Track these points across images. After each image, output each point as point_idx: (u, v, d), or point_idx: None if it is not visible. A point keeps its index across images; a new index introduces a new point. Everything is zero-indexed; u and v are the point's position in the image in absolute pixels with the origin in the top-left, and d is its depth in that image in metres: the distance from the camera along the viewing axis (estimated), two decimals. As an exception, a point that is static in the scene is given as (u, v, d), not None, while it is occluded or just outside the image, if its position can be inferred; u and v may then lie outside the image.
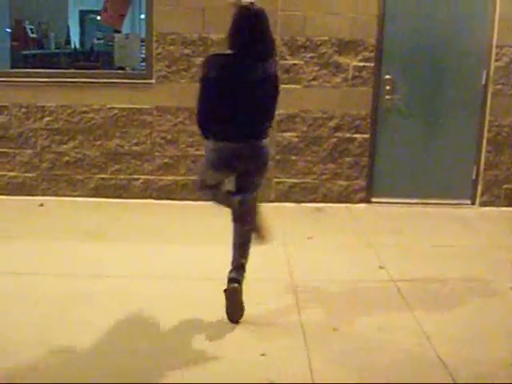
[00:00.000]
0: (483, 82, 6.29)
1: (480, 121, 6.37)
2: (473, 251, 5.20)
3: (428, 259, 4.99)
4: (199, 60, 6.06)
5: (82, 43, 7.95)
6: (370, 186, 6.47)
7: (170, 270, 4.56)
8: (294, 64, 6.16)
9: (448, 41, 6.23)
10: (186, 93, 6.02)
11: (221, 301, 3.82)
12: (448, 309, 4.11)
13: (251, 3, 3.80)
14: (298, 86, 6.20)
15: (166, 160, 6.29)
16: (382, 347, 3.59)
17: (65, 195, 6.39)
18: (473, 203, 6.53)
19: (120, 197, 6.38)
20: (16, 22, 7.08)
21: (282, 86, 6.09)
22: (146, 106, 6.22)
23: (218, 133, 3.75)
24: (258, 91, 3.71)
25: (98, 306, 4.00)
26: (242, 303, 3.81)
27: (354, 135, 6.32)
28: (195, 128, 4.01)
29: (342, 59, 6.15)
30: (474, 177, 6.49)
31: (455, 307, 4.15)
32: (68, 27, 7.93)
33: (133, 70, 6.58)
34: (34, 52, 7.24)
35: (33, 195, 6.35)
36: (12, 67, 6.60)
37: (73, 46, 7.67)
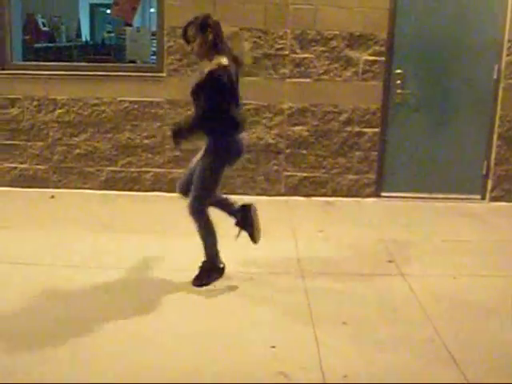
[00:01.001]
0: (495, 77, 6.26)
1: (491, 115, 6.34)
2: (483, 246, 5.19)
3: (438, 254, 4.98)
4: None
5: (92, 36, 7.98)
6: (379, 180, 6.47)
7: (180, 262, 4.59)
8: (305, 58, 6.16)
9: (459, 35, 6.20)
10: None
11: (237, 295, 3.83)
12: (458, 303, 4.11)
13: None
14: (308, 80, 6.21)
15: (176, 153, 6.31)
16: (392, 341, 3.59)
17: (76, 187, 6.42)
18: (483, 198, 6.52)
19: (131, 189, 6.41)
20: (28, 16, 7.12)
21: (293, 79, 6.19)
22: (157, 99, 6.24)
23: (241, 124, 4.19)
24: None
25: (108, 297, 4.03)
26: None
27: (364, 129, 6.32)
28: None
29: (352, 53, 6.15)
30: (484, 172, 6.48)
31: (465, 301, 4.15)
32: (79, 20, 7.96)
33: (144, 63, 6.60)
34: (45, 45, 7.27)
35: (44, 187, 6.39)
36: (24, 60, 6.62)
37: (84, 40, 7.70)
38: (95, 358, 3.32)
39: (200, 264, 4.26)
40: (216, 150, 4.09)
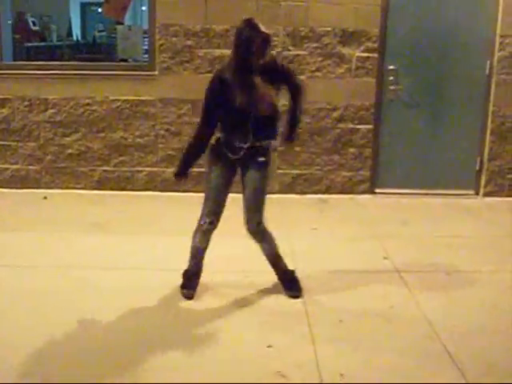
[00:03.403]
0: (487, 72, 6.26)
1: (484, 111, 6.35)
2: (478, 241, 5.20)
3: (433, 249, 4.99)
4: (202, 51, 6.07)
5: (84, 35, 7.92)
6: (373, 176, 6.46)
7: (175, 262, 4.56)
8: (297, 55, 6.14)
9: (452, 31, 6.20)
10: (189, 84, 6.01)
11: (231, 294, 3.81)
12: (454, 299, 4.11)
13: None
14: (301, 77, 6.16)
15: (169, 152, 6.28)
16: (388, 338, 3.59)
17: (68, 188, 6.39)
18: (476, 193, 6.52)
19: (124, 189, 6.38)
20: (18, 15, 7.06)
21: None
22: (150, 98, 6.21)
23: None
24: None
25: (101, 298, 4.01)
26: None
27: (358, 126, 6.31)
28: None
29: (345, 50, 6.13)
30: (477, 167, 6.48)
31: (461, 297, 4.15)
32: (70, 19, 7.90)
33: (136, 61, 6.57)
34: (36, 44, 7.21)
35: (36, 188, 6.36)
36: (14, 60, 6.57)
37: (75, 39, 7.65)
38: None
39: (291, 275, 4.15)
40: (269, 156, 3.88)
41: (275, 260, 4.07)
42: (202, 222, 3.93)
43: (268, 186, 3.91)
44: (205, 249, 4.03)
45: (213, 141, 3.87)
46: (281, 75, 3.88)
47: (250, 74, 3.67)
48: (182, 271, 4.11)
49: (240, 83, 3.66)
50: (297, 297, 4.04)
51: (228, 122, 3.78)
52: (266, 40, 3.63)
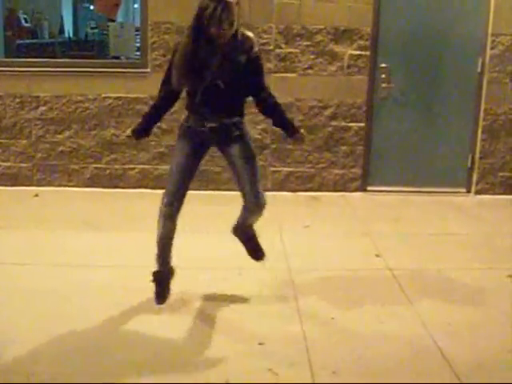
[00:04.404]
0: (479, 70, 6.28)
1: (475, 109, 6.37)
2: (469, 239, 5.22)
3: (424, 247, 5.00)
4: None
5: (76, 32, 7.88)
6: (365, 174, 6.47)
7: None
8: (290, 52, 6.14)
9: (444, 29, 6.22)
10: (181, 82, 5.99)
11: (223, 290, 3.81)
12: (445, 297, 4.13)
13: None
14: (293, 75, 6.19)
15: (161, 149, 6.27)
16: (380, 336, 3.60)
17: (60, 185, 6.37)
18: (468, 191, 6.55)
19: (116, 186, 6.37)
20: (9, 12, 7.02)
21: (278, 74, 6.17)
22: (141, 96, 6.19)
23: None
24: None
25: (93, 296, 4.00)
26: None
27: (350, 124, 6.32)
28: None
29: (337, 48, 6.14)
30: (469, 165, 6.50)
31: (453, 295, 4.16)
32: (62, 16, 7.86)
33: (128, 59, 6.55)
34: (27, 41, 7.18)
35: (28, 185, 6.33)
36: (6, 57, 6.54)
37: (67, 36, 7.61)
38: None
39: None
40: (247, 133, 3.72)
41: (251, 227, 3.95)
42: (161, 205, 3.70)
43: (256, 154, 3.74)
44: (169, 238, 3.72)
45: (182, 120, 3.72)
46: (252, 66, 3.55)
47: (199, 45, 3.45)
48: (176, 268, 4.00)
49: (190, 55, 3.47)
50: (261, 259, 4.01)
51: (193, 98, 3.58)
52: (219, 7, 3.31)
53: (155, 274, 3.78)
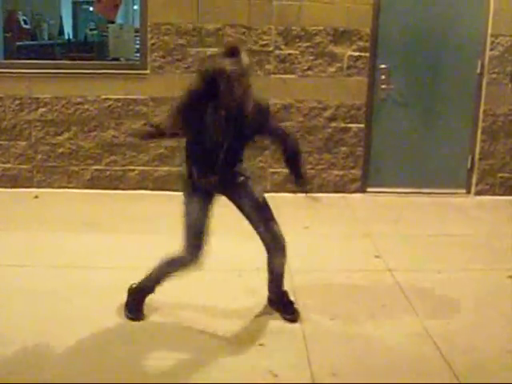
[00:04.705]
0: (478, 71, 6.28)
1: (475, 110, 6.37)
2: (469, 240, 5.21)
3: (424, 248, 5.00)
4: (194, 50, 6.06)
5: (75, 34, 7.89)
6: (365, 175, 6.47)
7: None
8: (289, 54, 6.14)
9: (443, 30, 6.22)
10: (181, 83, 5.98)
11: (224, 291, 3.80)
12: (445, 298, 4.13)
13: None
14: (293, 76, 6.19)
15: (161, 151, 6.27)
16: (379, 336, 3.60)
17: (60, 187, 6.36)
18: (468, 192, 6.54)
19: (115, 188, 6.36)
20: (8, 13, 7.03)
21: (278, 75, 6.17)
22: (141, 97, 6.19)
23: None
24: None
25: (93, 297, 4.00)
26: None
27: (349, 125, 6.32)
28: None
29: (337, 49, 6.14)
30: (469, 166, 6.50)
31: (452, 296, 4.16)
32: (61, 18, 7.87)
33: (127, 60, 6.55)
34: (27, 43, 7.18)
35: (27, 187, 6.33)
36: (5, 58, 6.54)
37: (66, 37, 7.62)
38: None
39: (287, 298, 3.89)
40: (250, 175, 3.71)
41: (281, 277, 3.81)
42: (185, 255, 3.56)
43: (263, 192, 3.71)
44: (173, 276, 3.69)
45: (185, 175, 3.57)
46: (262, 118, 3.46)
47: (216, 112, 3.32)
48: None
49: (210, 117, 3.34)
50: (295, 320, 3.76)
51: (197, 151, 3.50)
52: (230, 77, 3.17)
53: (136, 291, 3.78)
